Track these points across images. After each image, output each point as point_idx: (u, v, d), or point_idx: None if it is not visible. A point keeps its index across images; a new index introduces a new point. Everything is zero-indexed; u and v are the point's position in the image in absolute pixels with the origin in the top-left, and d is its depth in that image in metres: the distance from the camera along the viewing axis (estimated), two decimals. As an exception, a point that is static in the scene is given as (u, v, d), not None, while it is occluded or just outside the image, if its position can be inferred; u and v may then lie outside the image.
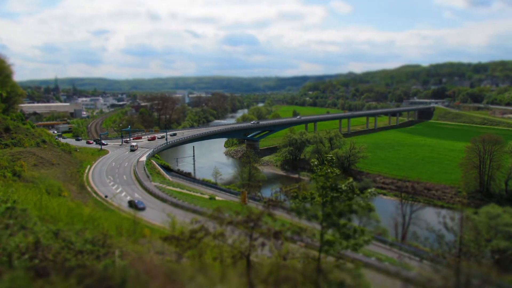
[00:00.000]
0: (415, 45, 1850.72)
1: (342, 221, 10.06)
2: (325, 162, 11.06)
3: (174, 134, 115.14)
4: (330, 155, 11.71)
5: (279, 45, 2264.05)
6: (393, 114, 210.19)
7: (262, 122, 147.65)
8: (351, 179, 10.73)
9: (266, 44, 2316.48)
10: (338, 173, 10.65)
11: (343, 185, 10.36)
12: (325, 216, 9.87)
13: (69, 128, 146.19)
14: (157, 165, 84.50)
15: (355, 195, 10.34)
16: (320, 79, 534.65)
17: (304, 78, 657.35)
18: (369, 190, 10.79)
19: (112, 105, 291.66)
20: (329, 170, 10.43)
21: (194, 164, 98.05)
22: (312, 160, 11.78)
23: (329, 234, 9.82)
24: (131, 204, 48.97)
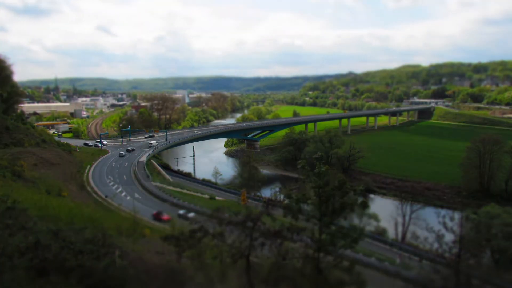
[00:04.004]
0: (342, 44, 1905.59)
1: (338, 219, 10.07)
2: (316, 162, 11.07)
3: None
4: (319, 154, 11.71)
5: (196, 47, 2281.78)
6: (393, 114, 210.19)
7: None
8: (341, 175, 10.81)
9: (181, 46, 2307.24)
10: (327, 169, 10.66)
11: (335, 182, 10.38)
12: (321, 215, 9.88)
13: (69, 128, 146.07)
14: (157, 165, 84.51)
15: (348, 192, 10.36)
16: (320, 79, 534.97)
17: (305, 78, 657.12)
18: (360, 187, 10.86)
19: (112, 105, 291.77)
20: (322, 169, 10.43)
21: (194, 164, 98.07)
22: (299, 161, 11.84)
23: (326, 233, 9.82)
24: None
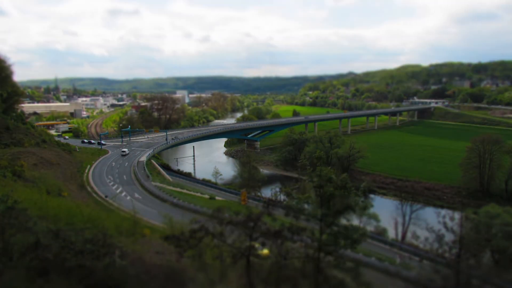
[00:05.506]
0: (314, 44, 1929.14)
1: (340, 220, 10.06)
2: (316, 162, 11.09)
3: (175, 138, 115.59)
4: (319, 154, 11.71)
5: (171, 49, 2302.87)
6: (393, 114, 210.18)
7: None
8: (345, 175, 10.77)
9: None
10: (333, 172, 10.67)
11: (338, 180, 10.39)
12: (323, 215, 9.87)
13: (69, 128, 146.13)
14: (157, 165, 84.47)
15: (350, 192, 10.38)
16: (320, 79, 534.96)
17: (304, 79, 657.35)
18: (363, 184, 10.86)
19: (112, 105, 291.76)
20: (324, 172, 10.45)
21: (194, 164, 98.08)
22: (302, 159, 11.90)
23: (327, 233, 9.81)
24: None
